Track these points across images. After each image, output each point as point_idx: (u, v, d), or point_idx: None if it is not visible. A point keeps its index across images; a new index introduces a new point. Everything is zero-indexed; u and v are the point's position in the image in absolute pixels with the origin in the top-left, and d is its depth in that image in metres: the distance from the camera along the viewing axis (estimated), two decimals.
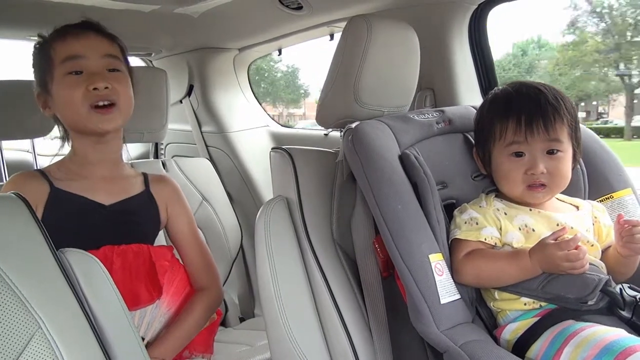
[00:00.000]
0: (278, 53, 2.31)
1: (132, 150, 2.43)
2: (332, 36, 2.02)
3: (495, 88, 1.17)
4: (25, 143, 2.32)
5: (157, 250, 1.25)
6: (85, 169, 1.20)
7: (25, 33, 2.00)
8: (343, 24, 1.88)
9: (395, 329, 1.07)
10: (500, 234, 1.03)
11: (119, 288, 0.87)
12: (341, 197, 1.21)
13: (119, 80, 1.15)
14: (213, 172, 2.27)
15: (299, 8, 1.72)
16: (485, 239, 1.01)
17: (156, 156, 2.76)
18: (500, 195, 1.12)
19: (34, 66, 1.21)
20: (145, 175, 1.31)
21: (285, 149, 1.23)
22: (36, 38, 2.05)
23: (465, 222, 1.04)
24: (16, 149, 2.42)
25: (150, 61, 2.49)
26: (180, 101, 2.45)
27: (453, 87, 1.57)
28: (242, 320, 2.15)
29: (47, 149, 2.03)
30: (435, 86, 1.59)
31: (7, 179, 1.17)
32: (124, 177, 1.26)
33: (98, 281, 0.86)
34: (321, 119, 1.30)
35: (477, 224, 1.03)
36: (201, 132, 2.44)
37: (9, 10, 1.74)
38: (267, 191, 2.28)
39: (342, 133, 1.37)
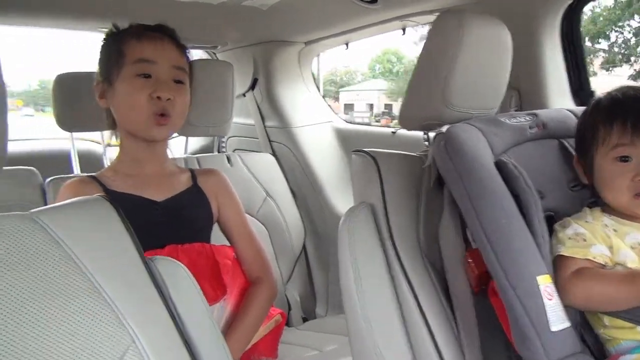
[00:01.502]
0: (345, 47, 2.25)
1: (191, 143, 2.43)
2: (404, 30, 1.94)
3: (600, 93, 1.08)
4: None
5: (219, 249, 1.25)
6: (134, 168, 1.21)
7: (96, 25, 2.01)
8: (418, 18, 1.83)
9: (487, 347, 1.00)
10: (611, 253, 0.94)
11: None
12: (428, 205, 1.14)
13: (181, 93, 1.17)
14: (277, 167, 2.24)
15: (373, 1, 1.65)
16: (594, 258, 0.93)
17: (218, 150, 2.77)
18: (605, 209, 1.03)
19: (101, 55, 1.22)
20: (191, 171, 1.32)
21: (368, 152, 1.17)
22: (106, 29, 2.08)
23: (570, 238, 0.96)
24: (81, 139, 2.44)
25: (214, 54, 2.47)
26: (244, 95, 2.42)
27: (541, 88, 1.47)
28: (304, 320, 2.11)
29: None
30: (521, 86, 1.49)
31: (64, 185, 1.17)
32: (171, 174, 1.27)
33: (186, 290, 0.83)
34: (404, 120, 1.24)
35: (584, 240, 0.94)
36: (264, 127, 2.41)
37: (81, 1, 1.74)
38: (330, 188, 2.23)
39: (425, 135, 1.32)
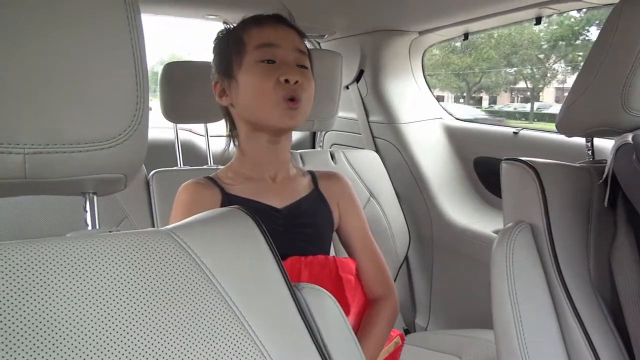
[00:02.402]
0: (464, 38, 2.05)
1: None
2: (538, 20, 1.72)
3: None
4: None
5: (343, 263, 1.13)
6: (255, 171, 1.12)
7: (203, 12, 1.93)
8: (560, 6, 1.61)
9: None
10: None
11: None
12: (598, 228, 0.95)
13: (307, 76, 1.07)
14: (381, 166, 2.10)
15: None
16: None
17: (313, 145, 2.65)
18: None
19: (217, 50, 1.14)
20: (312, 174, 1.21)
21: (526, 162, 0.99)
22: (214, 16, 2.00)
23: None
24: (183, 129, 2.40)
25: (319, 43, 2.35)
26: (347, 87, 2.29)
27: None
28: (406, 331, 1.97)
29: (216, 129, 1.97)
30: None
31: (182, 187, 1.09)
32: (292, 178, 1.17)
33: (335, 322, 0.70)
34: (566, 125, 1.05)
35: None
36: (368, 122, 2.26)
37: None
38: (438, 190, 2.05)
39: (588, 142, 1.13)
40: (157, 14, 2.02)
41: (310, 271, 1.07)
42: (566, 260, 0.92)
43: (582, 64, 1.01)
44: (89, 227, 0.62)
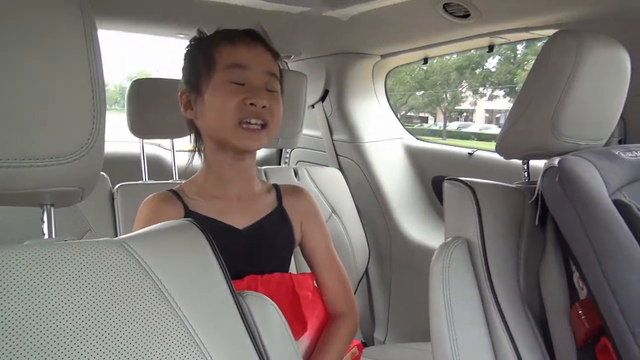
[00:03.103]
0: (423, 62, 2.15)
1: None
2: (491, 48, 1.83)
3: None
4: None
5: (299, 280, 1.14)
6: (220, 188, 1.12)
7: (174, 31, 1.99)
8: (510, 35, 1.72)
9: None
10: None
11: None
12: (529, 245, 1.03)
13: (276, 100, 1.07)
14: (344, 183, 2.17)
15: (466, 16, 1.55)
16: None
17: (279, 161, 2.71)
18: None
19: (188, 60, 1.13)
20: (277, 189, 1.21)
21: (465, 182, 1.07)
22: (184, 36, 2.05)
23: None
24: (150, 143, 2.44)
25: (286, 63, 2.42)
26: (312, 106, 2.36)
27: None
28: (364, 344, 2.02)
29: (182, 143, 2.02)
30: (627, 114, 1.36)
31: (145, 201, 1.11)
32: (257, 195, 1.17)
33: (276, 328, 0.76)
34: (503, 148, 1.13)
35: None
36: (332, 140, 2.34)
37: (160, 6, 1.71)
38: (398, 208, 2.13)
39: (524, 164, 1.21)
40: (129, 32, 2.06)
41: (266, 289, 1.08)
42: (498, 275, 0.99)
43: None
44: (46, 237, 0.66)
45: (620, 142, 1.38)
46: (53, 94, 0.55)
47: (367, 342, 2.14)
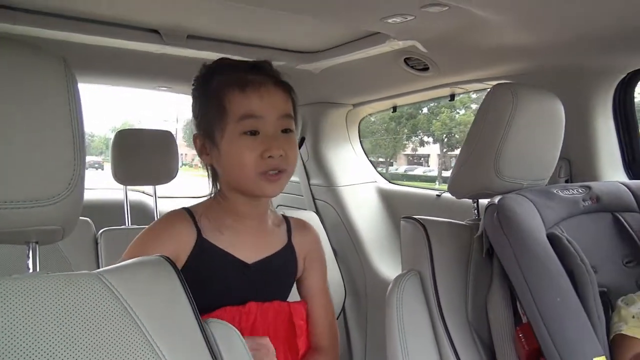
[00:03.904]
0: (392, 110, 2.29)
1: None
2: (452, 97, 1.97)
3: None
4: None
5: (296, 309, 1.17)
6: (235, 220, 1.13)
7: (154, 84, 2.12)
8: (467, 86, 1.86)
9: None
10: None
11: None
12: (476, 276, 1.13)
13: (291, 143, 1.08)
14: (320, 226, 2.26)
15: (425, 69, 1.69)
16: None
17: None
18: None
19: (197, 105, 1.12)
20: (287, 223, 1.23)
21: (418, 219, 1.17)
22: (165, 88, 2.17)
23: (634, 317, 0.93)
24: (133, 190, 2.52)
25: None
26: None
27: (593, 159, 1.46)
28: None
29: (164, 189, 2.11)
30: (572, 157, 1.49)
31: (166, 214, 1.12)
32: (270, 230, 1.19)
33: (238, 353, 0.83)
34: (454, 188, 1.24)
35: None
36: (309, 185, 2.44)
37: (138, 62, 1.78)
38: (372, 248, 2.22)
39: (474, 203, 1.32)
40: (111, 85, 2.19)
41: (264, 318, 1.11)
42: (448, 304, 1.08)
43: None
44: (31, 271, 0.74)
45: (567, 181, 1.50)
46: (38, 144, 0.63)
47: None
